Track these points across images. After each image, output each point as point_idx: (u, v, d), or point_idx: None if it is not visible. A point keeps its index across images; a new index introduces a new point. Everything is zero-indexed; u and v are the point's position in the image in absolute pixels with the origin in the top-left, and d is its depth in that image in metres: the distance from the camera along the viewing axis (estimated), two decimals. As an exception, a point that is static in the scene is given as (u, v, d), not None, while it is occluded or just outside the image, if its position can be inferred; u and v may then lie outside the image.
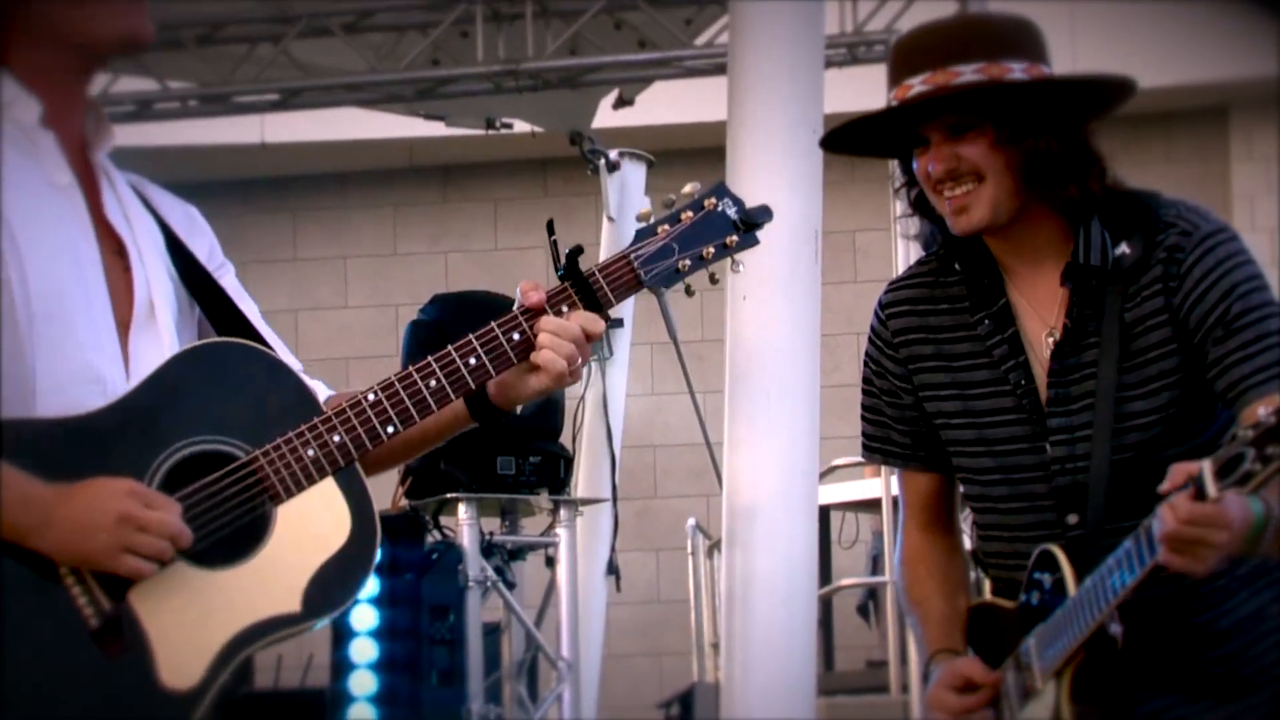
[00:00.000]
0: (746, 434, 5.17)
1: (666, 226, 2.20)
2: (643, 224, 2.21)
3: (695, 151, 8.68)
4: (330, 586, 2.05)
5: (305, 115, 8.26)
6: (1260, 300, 2.37)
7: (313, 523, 2.06)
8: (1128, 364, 2.41)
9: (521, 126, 7.91)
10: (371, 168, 10.73)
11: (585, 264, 2.19)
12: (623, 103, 7.61)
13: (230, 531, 2.05)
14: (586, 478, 7.36)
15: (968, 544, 2.66)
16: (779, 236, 5.03)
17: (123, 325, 2.11)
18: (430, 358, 2.14)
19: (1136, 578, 2.19)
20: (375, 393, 2.11)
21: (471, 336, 2.15)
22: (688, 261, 2.18)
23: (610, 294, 2.17)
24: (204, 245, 2.26)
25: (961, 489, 2.59)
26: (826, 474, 7.01)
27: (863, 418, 2.65)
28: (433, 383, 2.12)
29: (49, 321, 2.05)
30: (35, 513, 1.98)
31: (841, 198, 8.38)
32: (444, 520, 6.38)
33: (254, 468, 2.06)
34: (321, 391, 2.21)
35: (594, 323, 2.15)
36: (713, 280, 2.22)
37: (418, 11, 7.25)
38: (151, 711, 1.99)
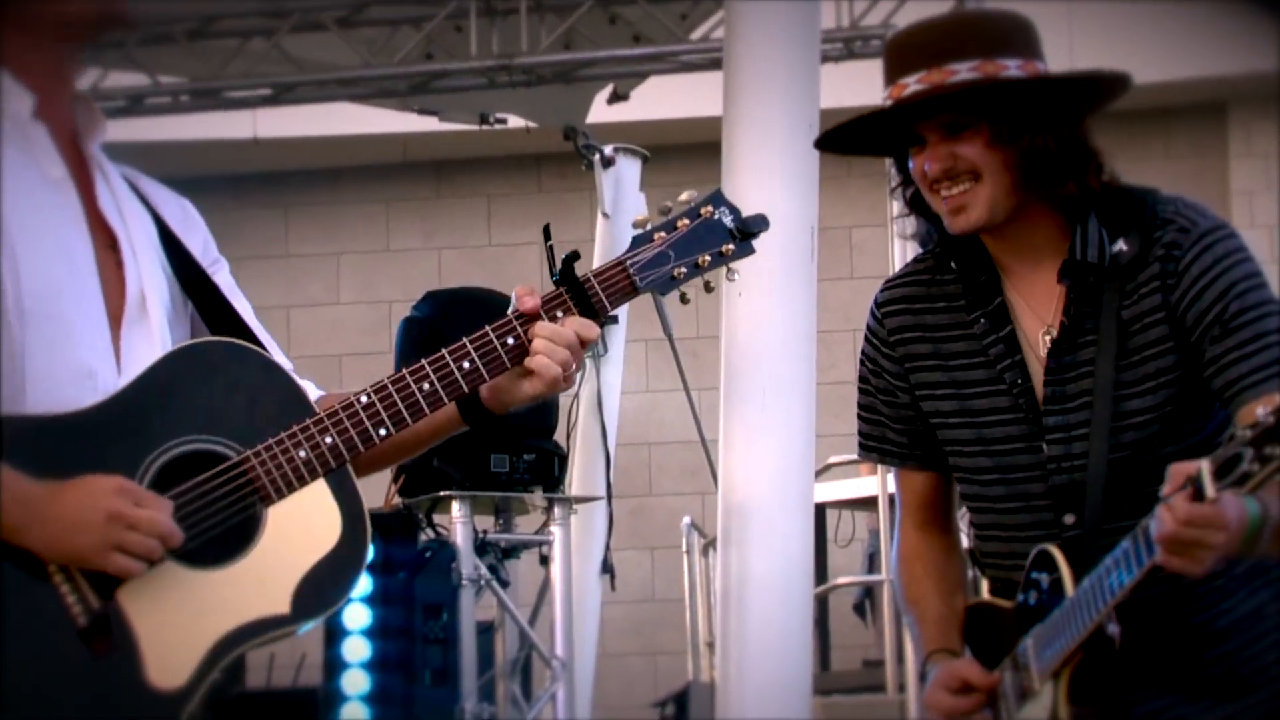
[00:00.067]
0: (742, 431, 5.17)
1: (663, 233, 2.21)
2: (639, 230, 2.22)
3: (690, 147, 8.69)
4: (320, 588, 2.05)
5: (298, 110, 8.22)
6: (1258, 299, 2.36)
7: (303, 524, 2.06)
8: (1124, 362, 2.40)
9: (515, 122, 7.91)
10: (364, 163, 10.72)
11: (581, 267, 2.20)
12: (617, 98, 7.61)
13: (221, 532, 2.05)
14: (581, 475, 7.35)
15: (965, 542, 2.64)
16: (775, 233, 4.92)
17: (114, 320, 2.10)
18: (424, 360, 2.14)
19: (1134, 578, 2.18)
20: (368, 394, 2.12)
21: (465, 340, 2.16)
22: (683, 269, 2.20)
23: (605, 300, 2.18)
24: (198, 239, 2.26)
25: (959, 488, 2.59)
26: (822, 472, 7.02)
27: (859, 416, 2.64)
28: (426, 386, 2.13)
29: (41, 317, 2.04)
30: (24, 510, 1.97)
31: (838, 193, 8.38)
32: (437, 518, 6.37)
33: (245, 468, 2.06)
34: (311, 392, 2.20)
35: (588, 329, 2.16)
36: (708, 288, 2.24)
37: (411, 6, 7.25)
38: (139, 711, 1.99)
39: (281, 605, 2.03)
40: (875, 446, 2.63)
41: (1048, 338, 2.44)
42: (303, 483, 2.07)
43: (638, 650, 9.99)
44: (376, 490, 6.11)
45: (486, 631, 6.30)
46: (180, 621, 2.01)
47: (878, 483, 6.91)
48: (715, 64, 6.17)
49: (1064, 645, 2.31)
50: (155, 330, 2.13)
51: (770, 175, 5.12)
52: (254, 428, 2.08)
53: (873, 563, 8.34)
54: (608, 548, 7.17)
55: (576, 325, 2.16)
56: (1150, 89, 8.92)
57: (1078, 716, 2.33)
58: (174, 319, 2.18)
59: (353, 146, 10.27)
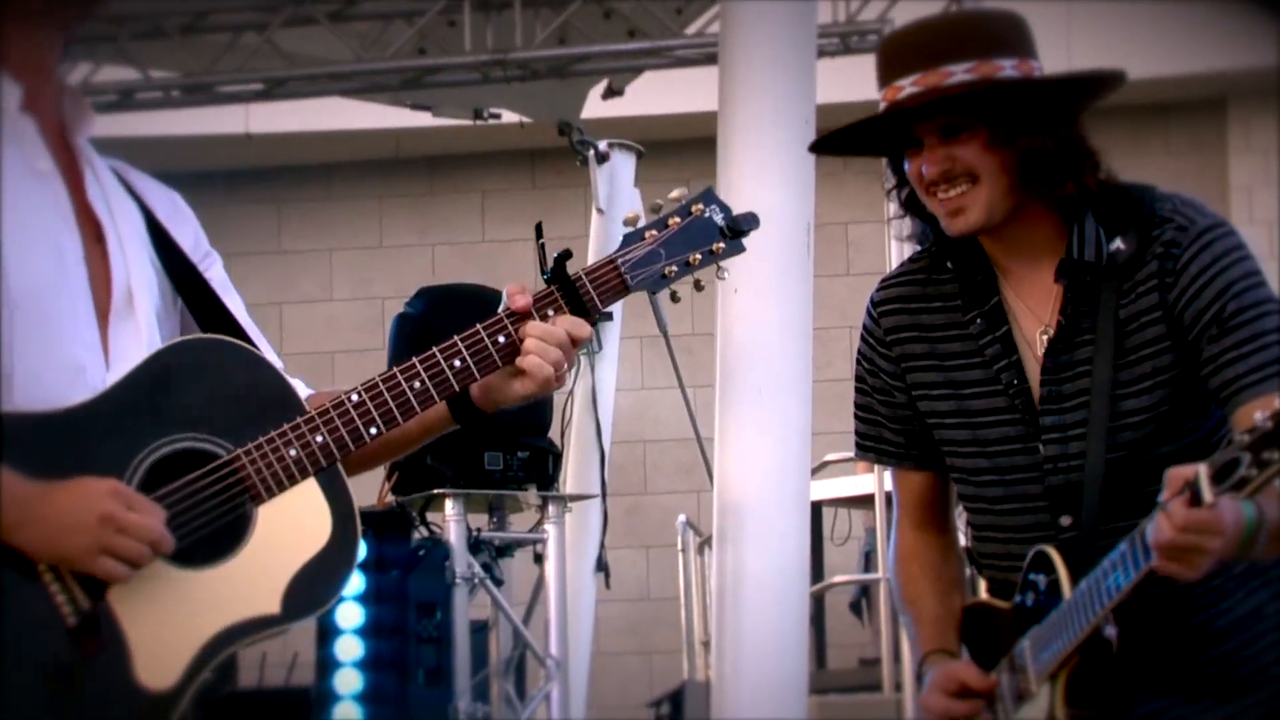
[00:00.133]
0: (737, 429, 5.16)
1: (654, 232, 2.21)
2: (630, 228, 2.22)
3: (686, 142, 8.69)
4: (310, 588, 2.05)
5: (290, 105, 8.22)
6: (1256, 298, 2.35)
7: (294, 523, 2.06)
8: (1122, 361, 2.39)
9: (509, 117, 7.90)
10: (358, 158, 10.72)
11: (576, 263, 2.19)
12: (612, 93, 7.60)
13: (210, 531, 2.05)
14: (575, 473, 7.33)
15: (963, 541, 2.64)
16: (770, 229, 4.97)
17: (102, 314, 2.09)
18: (415, 359, 2.14)
19: (1131, 581, 2.19)
20: (359, 393, 2.12)
21: (457, 338, 2.16)
22: (674, 268, 2.20)
23: (597, 299, 2.19)
24: (188, 233, 2.25)
25: (956, 489, 2.58)
26: (819, 469, 7.03)
27: (856, 416, 2.64)
28: (417, 384, 2.13)
29: (28, 311, 2.03)
30: (16, 508, 1.96)
31: (835, 190, 8.37)
32: (431, 516, 6.35)
33: (235, 467, 2.06)
34: (300, 390, 2.19)
35: (580, 327, 2.16)
36: (698, 287, 2.24)
37: (404, 0, 7.19)
38: (128, 711, 1.99)
39: (272, 605, 2.03)
40: (872, 446, 2.63)
41: (1045, 337, 2.43)
42: (293, 481, 2.07)
43: (633, 649, 10.01)
44: (370, 488, 6.09)
45: (480, 630, 6.28)
46: (170, 621, 2.01)
47: (874, 481, 6.91)
48: (710, 59, 6.15)
49: (1061, 647, 2.31)
50: (143, 324, 2.12)
51: (766, 171, 5.11)
52: (244, 426, 2.07)
53: (869, 561, 8.32)
54: (602, 546, 7.16)
55: (568, 324, 2.16)
56: (1149, 84, 8.96)
57: (1075, 719, 2.33)
58: (163, 314, 2.18)
59: (346, 142, 10.26)
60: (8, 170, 2.05)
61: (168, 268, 2.18)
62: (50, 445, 2.00)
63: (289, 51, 7.28)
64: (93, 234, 2.11)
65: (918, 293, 2.54)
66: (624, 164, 7.73)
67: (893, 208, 2.54)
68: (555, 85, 7.40)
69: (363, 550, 5.27)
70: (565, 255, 2.19)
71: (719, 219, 2.23)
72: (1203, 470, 2.06)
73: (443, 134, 9.42)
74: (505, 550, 6.57)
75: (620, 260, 2.20)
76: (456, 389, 2.15)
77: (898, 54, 2.42)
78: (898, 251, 5.30)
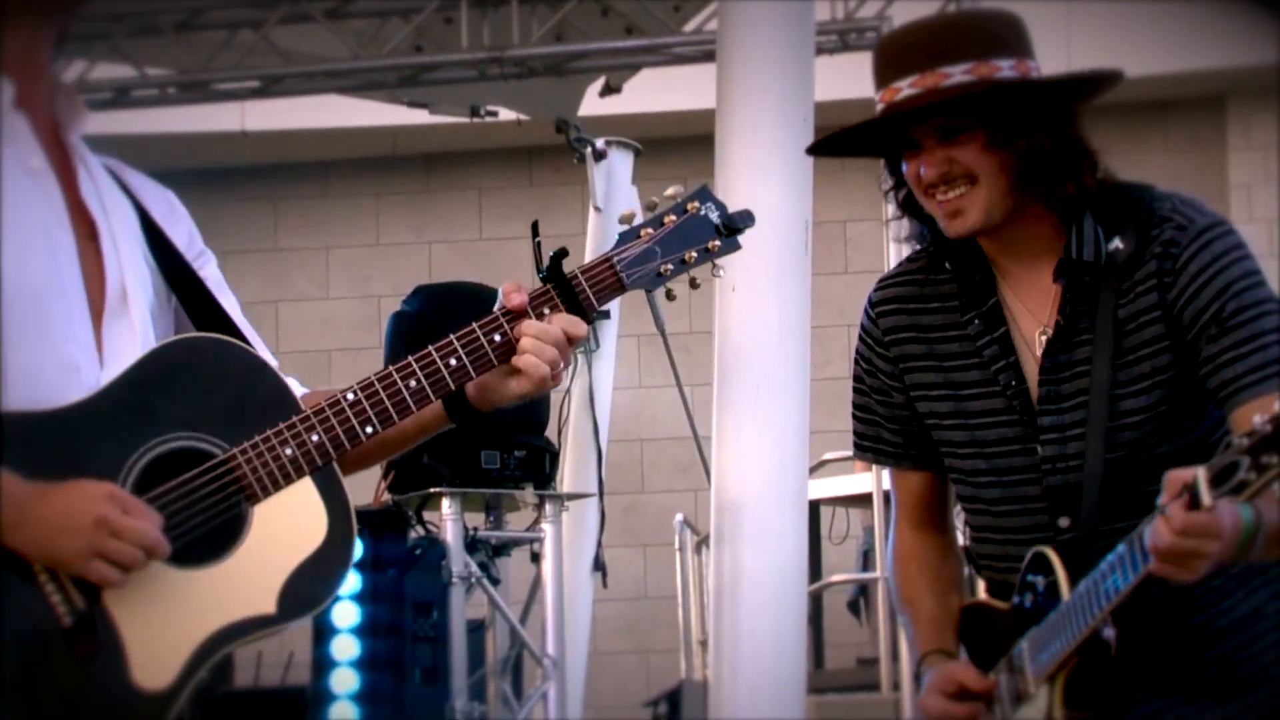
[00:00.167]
0: (735, 428, 5.15)
1: (649, 230, 2.22)
2: (625, 226, 2.23)
3: (684, 140, 8.69)
4: (306, 588, 2.05)
5: (286, 103, 8.23)
6: (1255, 298, 2.34)
7: (289, 523, 2.06)
8: (1120, 361, 2.39)
9: (506, 114, 7.90)
10: (354, 156, 10.73)
11: (574, 261, 2.19)
12: (610, 90, 7.59)
13: (206, 530, 2.04)
14: (572, 472, 7.33)
15: (961, 540, 2.63)
16: (768, 227, 5.03)
17: (96, 312, 2.09)
18: (410, 358, 2.14)
19: (1130, 584, 2.18)
20: (354, 392, 2.11)
21: (452, 337, 2.15)
22: (670, 265, 2.20)
23: (593, 297, 2.19)
24: (182, 232, 2.24)
25: (955, 489, 2.58)
26: (817, 468, 7.03)
27: (854, 416, 2.63)
28: (413, 383, 2.13)
29: (22, 309, 2.01)
30: (12, 509, 1.96)
31: (833, 187, 8.34)
32: (427, 515, 6.34)
33: (231, 466, 2.06)
34: (295, 389, 2.19)
35: (576, 326, 2.16)
36: (693, 285, 2.24)
37: (401, -3, 7.22)
38: (125, 712, 1.98)
39: (268, 604, 2.03)
40: (870, 446, 2.62)
41: (1043, 338, 2.43)
42: (289, 481, 2.06)
43: (630, 648, 10.01)
44: (366, 487, 6.08)
45: (477, 629, 6.27)
46: (166, 621, 2.00)
47: (872, 479, 6.91)
48: (709, 56, 6.15)
49: (1059, 649, 2.30)
50: (136, 322, 2.11)
51: (764, 169, 5.11)
52: (240, 425, 2.07)
53: (867, 560, 8.33)
54: (599, 545, 7.15)
55: (564, 323, 2.16)
56: (1148, 82, 8.97)
57: (1073, 720, 2.33)
58: (157, 312, 2.17)
59: (342, 139, 10.26)
60: (2, 169, 2.03)
61: (162, 266, 2.17)
62: (45, 445, 2.00)
63: (285, 49, 7.27)
64: (86, 232, 2.10)
65: (916, 293, 2.53)
66: (622, 162, 7.73)
67: (890, 209, 2.53)
68: (552, 83, 7.39)
69: (359, 549, 5.27)
70: (561, 253, 2.18)
71: (715, 217, 2.23)
72: (1201, 473, 2.06)
73: (440, 132, 9.41)
74: (502, 549, 6.56)
75: (616, 258, 2.19)
76: (453, 388, 2.14)
77: (894, 55, 2.41)
78: (896, 250, 5.29)
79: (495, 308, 2.17)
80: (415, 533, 6.25)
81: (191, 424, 2.05)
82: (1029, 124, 2.35)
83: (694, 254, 2.21)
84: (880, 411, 2.58)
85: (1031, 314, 2.44)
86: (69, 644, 1.97)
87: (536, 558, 6.50)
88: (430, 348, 2.14)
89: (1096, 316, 2.39)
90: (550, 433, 6.61)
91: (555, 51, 7.17)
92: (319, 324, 10.64)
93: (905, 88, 2.37)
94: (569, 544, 6.82)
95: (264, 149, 10.24)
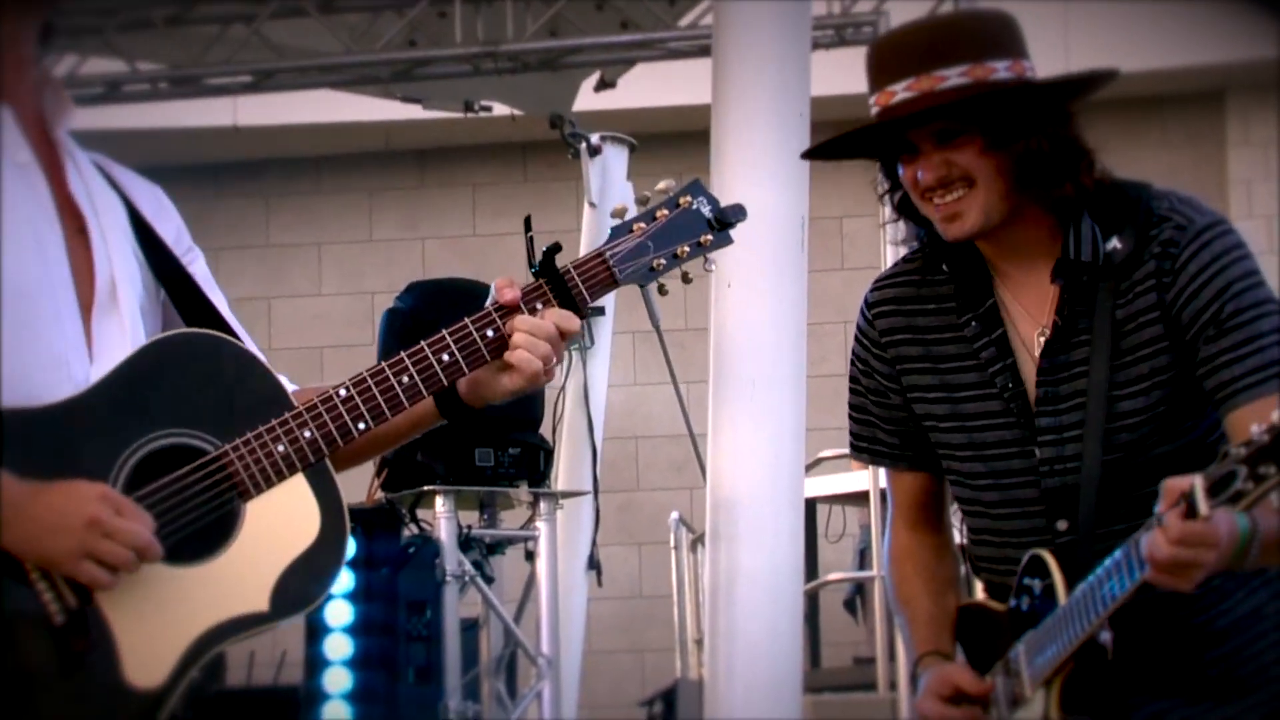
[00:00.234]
0: (731, 425, 5.14)
1: (642, 224, 2.22)
2: (617, 221, 2.23)
3: (679, 135, 8.67)
4: (299, 585, 2.05)
5: (279, 97, 8.24)
6: (1254, 299, 2.34)
7: (282, 520, 2.06)
8: (1118, 362, 2.38)
9: (501, 109, 7.88)
10: (347, 151, 10.73)
11: (563, 259, 2.20)
12: (604, 85, 7.58)
13: (198, 528, 2.04)
14: (567, 470, 7.31)
15: (958, 538, 2.64)
16: (764, 223, 5.06)
17: (85, 308, 2.08)
18: (403, 353, 2.14)
19: (1127, 591, 2.19)
20: (347, 388, 2.11)
21: (445, 332, 2.15)
22: (663, 260, 2.21)
23: (585, 292, 2.19)
24: (171, 228, 2.23)
25: (953, 491, 2.57)
26: (813, 466, 7.02)
27: (850, 416, 2.63)
28: (405, 379, 2.13)
29: (11, 305, 2.01)
30: (4, 508, 1.95)
31: (829, 183, 8.28)
32: (421, 513, 6.32)
33: (223, 463, 2.06)
34: (285, 386, 2.17)
35: (568, 321, 2.16)
36: (685, 279, 2.24)
37: (394, -9, 7.20)
38: (117, 710, 1.98)
39: (260, 602, 2.03)
40: (867, 447, 2.62)
41: (1041, 339, 2.42)
42: (281, 477, 2.06)
43: (625, 647, 10.02)
44: (359, 485, 6.07)
45: (471, 628, 6.26)
46: (158, 619, 2.00)
47: (869, 477, 6.90)
48: (704, 51, 6.15)
49: (1055, 654, 2.31)
50: (126, 318, 2.10)
51: (760, 165, 5.09)
52: (232, 421, 2.07)
53: (864, 558, 8.34)
54: (594, 543, 7.14)
55: (556, 317, 2.15)
56: (1147, 77, 8.97)
57: (1069, 725, 2.33)
58: (147, 307, 2.16)
59: (335, 135, 10.25)
60: (-13, 164, 2.03)
61: (151, 261, 2.17)
62: (37, 442, 1.99)
63: (278, 43, 7.26)
64: (75, 226, 2.10)
65: (912, 294, 2.52)
66: (616, 157, 7.72)
67: (887, 211, 2.52)
68: (547, 78, 7.38)
69: (352, 547, 5.23)
70: (554, 248, 2.18)
71: (707, 211, 2.23)
72: (1198, 483, 2.06)
73: (433, 127, 9.41)
74: (496, 547, 6.54)
75: (608, 253, 2.19)
76: (445, 383, 2.14)
77: (889, 58, 2.40)
78: (893, 248, 5.27)
79: (487, 303, 2.16)
80: (409, 531, 6.24)
81: (183, 420, 2.05)
82: (1026, 125, 2.34)
83: (686, 248, 2.21)
84: (876, 412, 2.58)
85: (1029, 315, 2.43)
86: (61, 642, 1.97)
87: (531, 556, 6.49)
88: (423, 343, 2.14)
89: (1094, 317, 2.38)
90: (545, 430, 6.60)
91: (550, 46, 7.16)
92: (312, 320, 10.65)
93: (901, 91, 2.36)
94: (564, 542, 6.81)
95: (256, 144, 10.28)
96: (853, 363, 2.60)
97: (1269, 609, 2.40)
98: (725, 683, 5.03)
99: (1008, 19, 2.42)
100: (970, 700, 2.44)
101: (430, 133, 10.04)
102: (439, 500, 6.06)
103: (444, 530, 6.02)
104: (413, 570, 5.97)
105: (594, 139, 7.61)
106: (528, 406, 6.33)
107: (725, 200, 2.25)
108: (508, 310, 2.15)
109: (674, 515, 8.01)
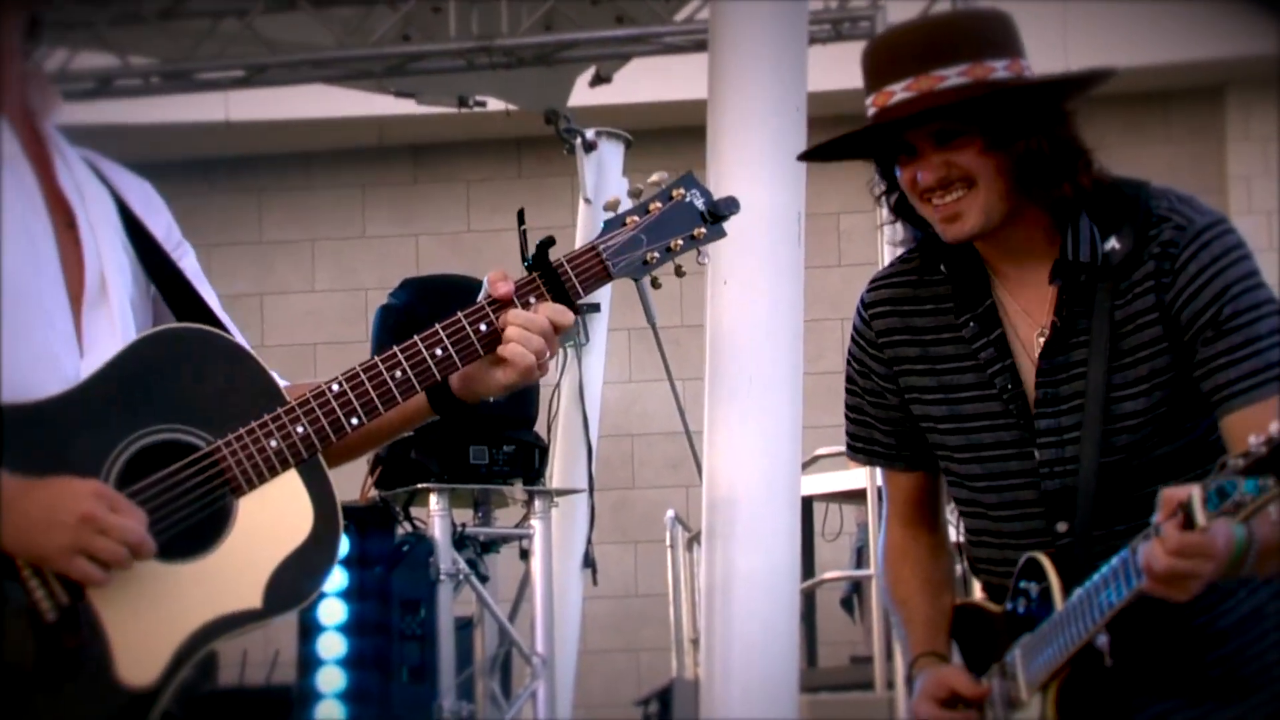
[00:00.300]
0: (727, 423, 5.13)
1: (635, 217, 2.22)
2: (610, 214, 2.23)
3: (675, 131, 8.65)
4: (292, 581, 2.05)
5: (271, 92, 8.21)
6: (1253, 301, 2.33)
7: (274, 516, 2.06)
8: (1117, 363, 2.38)
9: (495, 105, 7.88)
10: (340, 147, 10.73)
11: (556, 253, 2.19)
12: (600, 80, 7.57)
13: (191, 524, 2.04)
14: (562, 468, 7.29)
15: (954, 536, 2.64)
16: (760, 219, 5.04)
17: (75, 301, 2.08)
18: (396, 348, 2.14)
19: (1123, 600, 2.19)
20: (340, 383, 2.11)
21: (438, 326, 2.15)
22: (656, 254, 2.20)
23: (579, 285, 2.18)
24: (161, 223, 2.23)
25: (951, 493, 2.57)
26: (810, 464, 7.01)
27: (846, 416, 2.64)
28: (398, 374, 2.12)
29: (1, 300, 2.01)
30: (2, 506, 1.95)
31: (825, 179, 8.27)
32: (415, 511, 6.30)
33: (215, 458, 2.06)
34: (278, 381, 2.16)
35: (562, 315, 2.16)
36: (679, 273, 2.24)
37: (388, -15, 7.18)
38: (109, 709, 1.98)
39: (253, 599, 2.03)
40: (863, 448, 2.62)
41: (1041, 339, 2.41)
42: (274, 473, 2.06)
43: (620, 647, 10.02)
44: (352, 482, 6.03)
45: (465, 627, 6.23)
46: (151, 617, 2.00)
47: (866, 475, 6.87)
48: (700, 46, 6.14)
49: (1052, 658, 2.31)
50: (116, 312, 2.10)
51: (756, 160, 5.09)
52: (224, 417, 2.07)
53: (861, 557, 8.35)
54: (589, 542, 7.11)
55: (550, 311, 2.15)
56: (1147, 72, 8.97)
57: (1066, 729, 2.34)
58: (137, 302, 2.16)
59: (327, 130, 10.25)
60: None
61: (141, 257, 2.16)
62: (29, 438, 1.99)
63: (270, 38, 7.23)
64: (64, 221, 2.09)
65: (909, 294, 2.52)
66: (612, 153, 7.73)
67: (884, 212, 2.51)
68: (542, 73, 7.37)
69: (345, 546, 5.19)
70: (548, 242, 2.18)
71: (700, 203, 2.22)
72: (1196, 494, 2.06)
73: (427, 122, 9.40)
74: (490, 546, 6.53)
75: (602, 246, 2.19)
76: (438, 378, 2.13)
77: (886, 58, 2.39)
78: (890, 248, 5.26)
79: (480, 297, 2.16)
80: (402, 529, 6.22)
81: (176, 416, 2.04)
82: (1026, 125, 2.33)
83: (680, 241, 2.21)
84: (872, 413, 2.58)
85: (1028, 316, 2.42)
86: (53, 640, 1.96)
87: (525, 554, 6.46)
88: (416, 337, 2.13)
89: (1093, 318, 2.37)
90: (539, 428, 6.58)
91: (545, 41, 7.15)
92: (304, 317, 10.66)
93: (899, 91, 2.35)
94: (558, 541, 6.78)
95: (248, 139, 10.29)
96: (849, 363, 2.60)
97: (1270, 608, 2.40)
98: (721, 682, 5.02)
99: (1004, 17, 2.41)
100: (966, 703, 2.44)
101: (424, 128, 10.04)
102: (433, 498, 6.05)
103: (438, 528, 6.00)
104: (406, 569, 5.95)
105: (589, 134, 7.62)
106: (522, 404, 6.30)
107: (720, 195, 2.24)
108: (501, 304, 2.14)
109: (670, 513, 8.02)
